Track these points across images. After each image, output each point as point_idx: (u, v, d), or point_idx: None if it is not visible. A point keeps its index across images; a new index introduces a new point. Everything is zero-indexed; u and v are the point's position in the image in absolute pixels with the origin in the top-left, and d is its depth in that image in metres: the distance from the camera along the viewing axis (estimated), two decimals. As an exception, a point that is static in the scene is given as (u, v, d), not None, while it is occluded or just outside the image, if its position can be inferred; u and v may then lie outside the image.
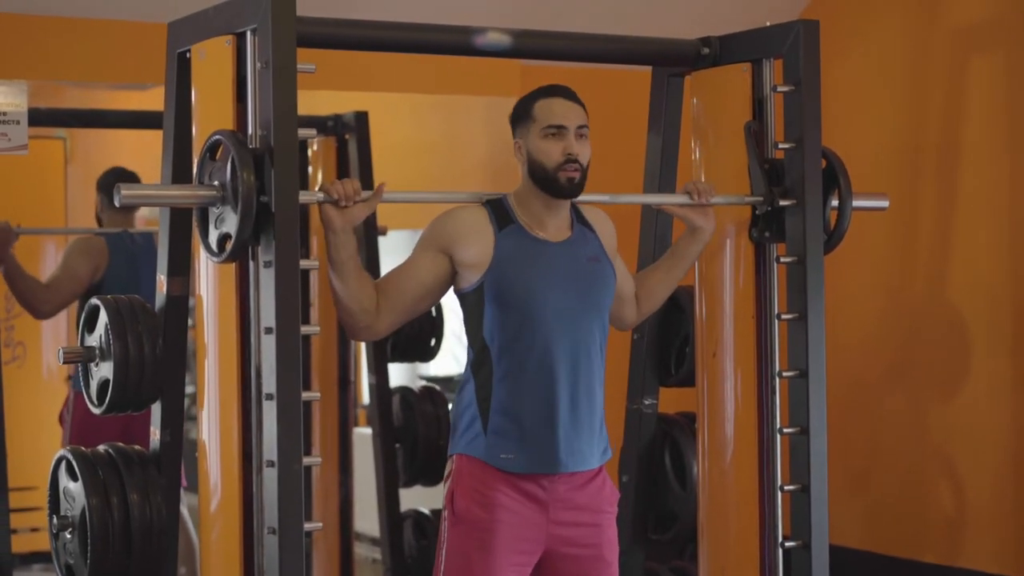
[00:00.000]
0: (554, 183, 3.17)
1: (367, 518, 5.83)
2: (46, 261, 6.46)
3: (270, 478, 2.99)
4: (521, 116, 3.22)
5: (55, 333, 6.57)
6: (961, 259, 4.87)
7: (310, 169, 5.48)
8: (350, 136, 5.30)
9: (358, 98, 5.52)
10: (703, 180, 3.72)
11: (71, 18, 4.92)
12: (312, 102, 5.78)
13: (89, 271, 4.99)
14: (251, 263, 3.05)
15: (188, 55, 3.26)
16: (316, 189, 3.12)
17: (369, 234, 5.28)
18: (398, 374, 6.54)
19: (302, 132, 3.04)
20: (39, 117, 4.90)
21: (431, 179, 6.39)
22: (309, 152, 5.50)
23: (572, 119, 3.18)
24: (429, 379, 6.78)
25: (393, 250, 5.45)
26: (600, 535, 3.24)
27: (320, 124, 5.34)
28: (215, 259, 3.05)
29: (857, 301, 5.25)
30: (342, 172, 5.32)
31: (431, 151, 6.61)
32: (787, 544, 3.59)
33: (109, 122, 5.80)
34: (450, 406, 5.23)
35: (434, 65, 5.22)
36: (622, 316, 3.49)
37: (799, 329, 3.56)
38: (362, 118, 5.27)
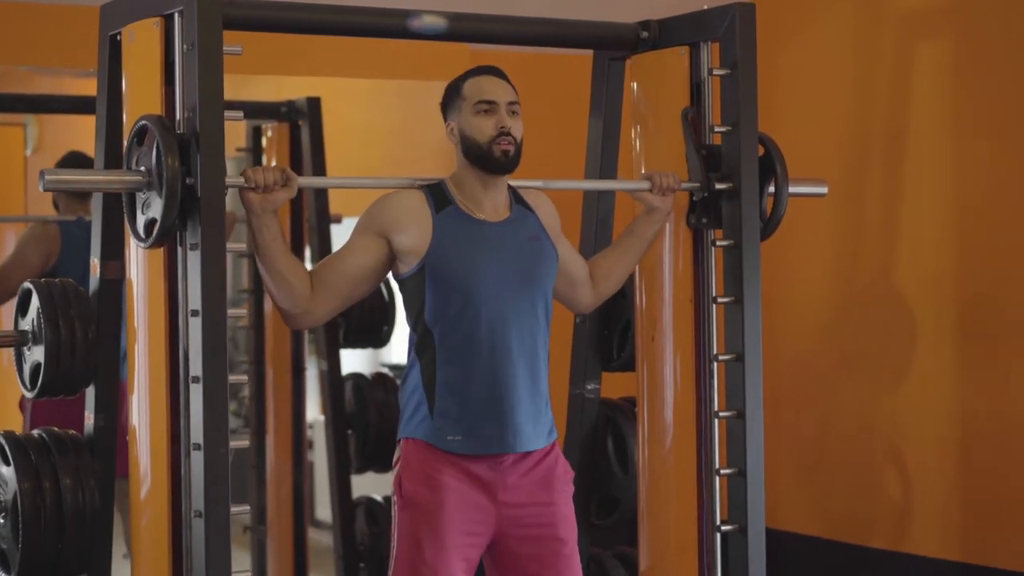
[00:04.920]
0: (488, 158, 3.18)
1: (328, 506, 5.81)
2: (6, 250, 6.41)
3: (197, 462, 2.98)
4: (451, 97, 3.24)
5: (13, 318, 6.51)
6: (908, 247, 4.86)
7: (264, 157, 5.46)
8: (303, 122, 5.28)
9: (314, 85, 5.50)
10: (643, 166, 3.72)
11: (16, 3, 4.90)
12: (268, 89, 5.77)
13: (41, 259, 4.97)
14: (179, 248, 3.04)
15: (119, 38, 3.24)
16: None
17: (322, 222, 5.27)
18: (360, 362, 6.52)
19: (229, 115, 3.01)
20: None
21: (386, 165, 6.36)
22: (263, 139, 5.50)
23: (502, 95, 3.20)
24: (390, 367, 6.75)
25: (347, 238, 5.42)
26: (554, 513, 3.24)
27: (273, 110, 5.32)
28: (142, 245, 3.05)
29: (805, 289, 5.24)
30: (295, 158, 5.31)
31: (387, 137, 6.59)
32: (724, 528, 3.58)
33: (54, 107, 5.76)
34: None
35: (384, 50, 5.19)
36: (576, 299, 3.50)
37: (735, 313, 3.55)
38: (314, 104, 5.26)
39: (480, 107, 3.18)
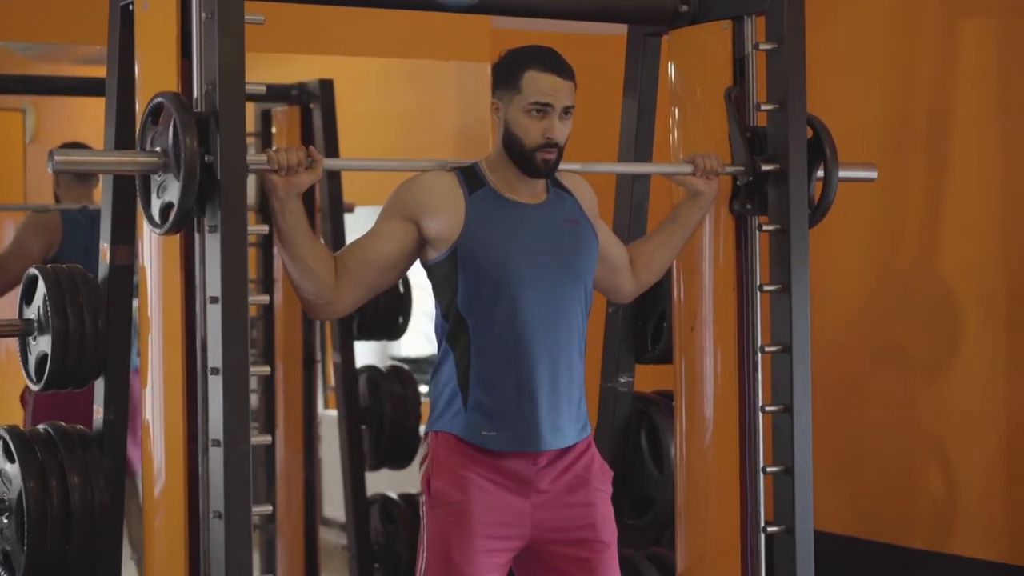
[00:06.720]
0: (529, 163, 3.02)
1: (338, 504, 5.72)
2: (4, 239, 6.30)
3: (216, 459, 2.83)
4: (506, 80, 3.03)
5: (15, 310, 6.39)
6: (952, 233, 4.74)
7: (274, 143, 5.34)
8: (315, 105, 5.17)
9: (324, 67, 5.38)
10: (681, 150, 3.57)
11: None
12: (277, 71, 5.65)
13: (42, 248, 4.91)
14: (196, 234, 2.88)
15: (131, 7, 3.08)
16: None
17: (335, 211, 5.14)
18: (369, 355, 6.42)
19: (251, 88, 2.86)
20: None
21: (401, 149, 6.28)
22: (273, 126, 5.37)
23: (560, 99, 3.00)
24: (400, 359, 6.65)
25: (360, 227, 5.32)
26: (593, 514, 3.09)
27: (284, 93, 5.20)
28: (157, 231, 2.89)
29: (843, 278, 5.12)
30: (306, 143, 5.19)
31: (401, 120, 6.50)
32: (769, 529, 3.43)
33: (58, 88, 5.62)
34: (421, 387, 5.12)
35: (401, 28, 5.09)
36: (618, 286, 3.36)
37: (782, 301, 3.41)
38: (327, 86, 5.15)
39: (533, 107, 2.99)
